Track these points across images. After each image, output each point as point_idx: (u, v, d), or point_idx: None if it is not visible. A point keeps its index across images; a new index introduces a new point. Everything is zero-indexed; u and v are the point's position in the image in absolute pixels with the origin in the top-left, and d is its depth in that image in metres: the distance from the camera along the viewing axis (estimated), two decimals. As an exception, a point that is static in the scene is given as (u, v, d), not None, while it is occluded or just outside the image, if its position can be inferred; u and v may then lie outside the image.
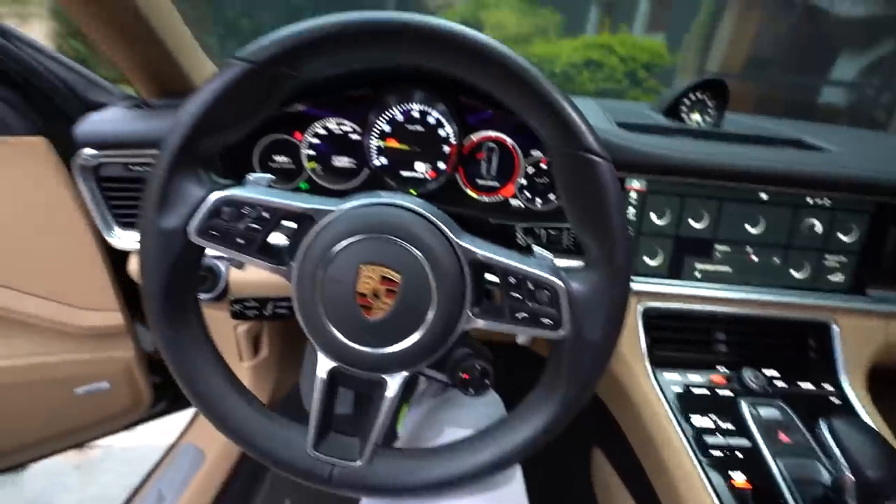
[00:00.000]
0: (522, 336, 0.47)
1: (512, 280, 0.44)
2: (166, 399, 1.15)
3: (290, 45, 0.41)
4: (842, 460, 0.48)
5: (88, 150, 0.65)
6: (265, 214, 0.44)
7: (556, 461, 1.03)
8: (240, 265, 0.47)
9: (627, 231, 0.43)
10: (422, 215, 0.44)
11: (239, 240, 0.44)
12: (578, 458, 0.96)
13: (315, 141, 0.70)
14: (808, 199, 0.67)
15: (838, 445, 0.49)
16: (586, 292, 0.43)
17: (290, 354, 1.25)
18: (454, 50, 0.41)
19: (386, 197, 0.45)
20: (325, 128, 0.70)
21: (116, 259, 0.89)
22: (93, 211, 0.68)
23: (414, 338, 0.43)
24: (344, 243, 0.43)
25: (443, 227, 0.44)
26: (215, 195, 0.43)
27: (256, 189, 0.45)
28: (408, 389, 0.91)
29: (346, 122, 0.70)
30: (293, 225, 0.46)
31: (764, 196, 0.67)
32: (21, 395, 0.87)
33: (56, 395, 0.89)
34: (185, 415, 1.25)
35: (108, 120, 0.65)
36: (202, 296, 0.64)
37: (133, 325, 0.98)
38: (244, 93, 0.42)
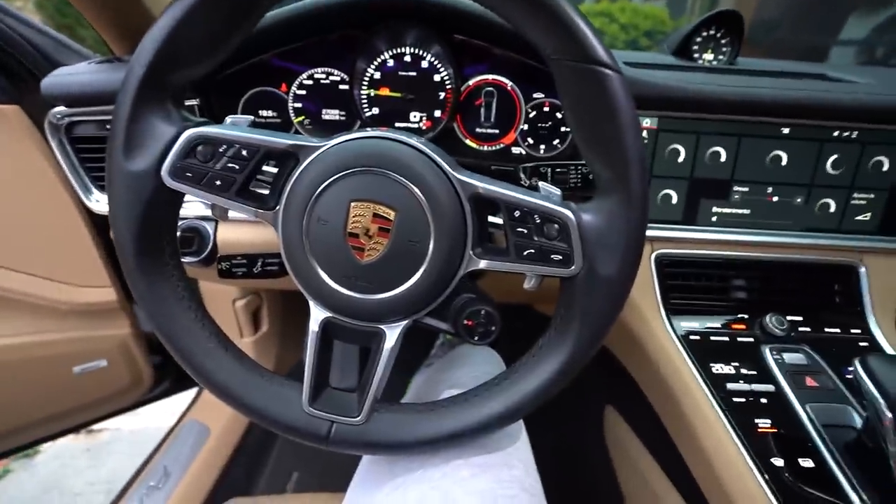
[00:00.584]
0: (530, 279, 0.44)
1: (517, 214, 0.40)
2: (168, 379, 1.13)
3: None
4: (879, 400, 0.44)
5: (59, 108, 0.61)
6: (244, 153, 0.40)
7: (568, 422, 1.01)
8: (223, 214, 0.43)
9: (644, 152, 0.38)
10: (416, 148, 0.40)
11: (217, 181, 0.40)
12: (591, 418, 0.94)
13: (302, 93, 0.66)
14: (834, 133, 0.62)
15: (874, 383, 0.45)
16: (599, 223, 0.39)
17: (291, 329, 1.23)
18: None
19: (376, 131, 0.41)
20: (313, 78, 0.66)
21: (104, 232, 0.86)
22: (69, 174, 0.64)
23: (411, 282, 0.40)
24: (331, 179, 0.39)
25: (439, 159, 0.40)
26: (189, 132, 0.39)
27: (235, 127, 0.41)
28: (422, 353, 0.88)
29: (334, 71, 0.65)
30: (275, 170, 0.42)
31: (785, 130, 0.62)
32: (19, 374, 0.85)
33: (54, 374, 0.88)
34: (190, 394, 1.23)
35: (76, 73, 0.61)
36: (189, 259, 0.61)
37: (129, 303, 0.95)
38: (212, 14, 0.38)
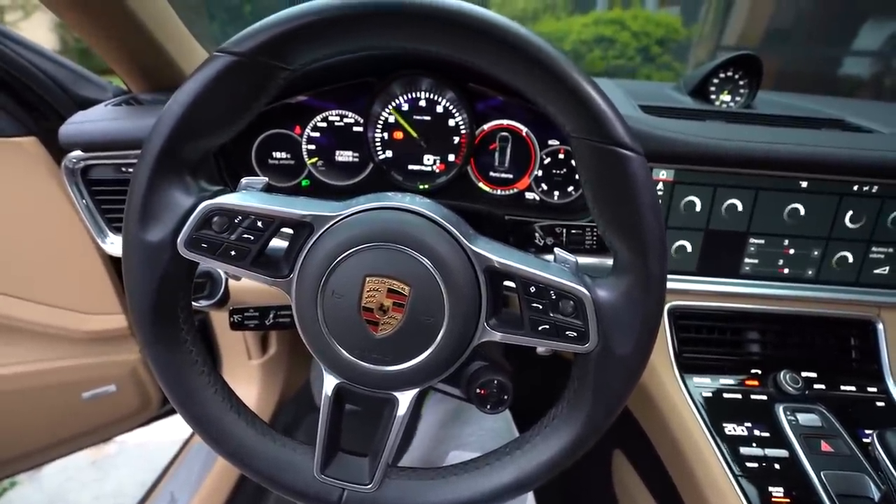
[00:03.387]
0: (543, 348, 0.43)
1: (532, 289, 0.39)
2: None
3: (280, 34, 0.37)
4: None
5: (76, 153, 0.61)
6: (259, 224, 0.40)
7: (575, 463, 1.00)
8: (236, 277, 0.43)
9: (664, 234, 0.38)
10: (431, 219, 0.40)
11: (232, 252, 0.40)
12: (599, 460, 0.93)
13: (316, 135, 0.66)
14: (854, 187, 0.61)
15: (892, 461, 0.44)
16: (615, 301, 0.39)
17: (300, 350, 1.22)
18: (460, 31, 0.36)
19: (391, 200, 0.41)
20: (326, 120, 0.66)
21: (117, 261, 0.87)
22: (84, 216, 0.65)
23: (425, 354, 0.40)
24: (346, 254, 0.39)
25: (455, 231, 0.40)
26: (204, 204, 0.39)
27: (250, 195, 0.41)
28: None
29: (348, 113, 0.65)
30: (292, 231, 0.42)
31: (804, 184, 0.61)
32: (27, 401, 0.86)
33: (63, 400, 0.88)
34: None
35: (93, 119, 0.61)
36: (202, 302, 0.61)
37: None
38: (230, 90, 0.38)
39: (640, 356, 0.40)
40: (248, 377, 1.13)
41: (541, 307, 0.39)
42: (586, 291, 0.39)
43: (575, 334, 0.39)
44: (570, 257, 0.41)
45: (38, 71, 0.76)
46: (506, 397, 0.45)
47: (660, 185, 0.62)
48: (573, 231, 0.62)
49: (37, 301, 0.83)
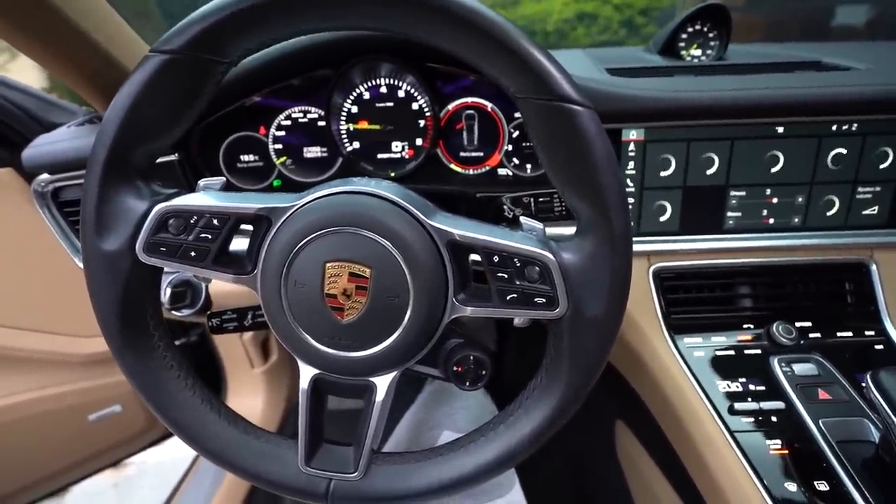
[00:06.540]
0: (519, 317, 0.43)
1: (496, 259, 0.39)
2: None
3: (210, 26, 0.36)
4: (892, 417, 0.42)
5: (43, 176, 0.61)
6: (215, 222, 0.40)
7: (578, 435, 0.99)
8: (207, 279, 0.43)
9: (623, 187, 0.37)
10: (386, 199, 0.39)
11: (192, 252, 0.40)
12: (601, 432, 0.92)
13: (281, 134, 0.66)
14: (833, 127, 0.59)
15: (887, 401, 0.43)
16: (581, 263, 0.38)
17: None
18: (391, 4, 0.35)
19: (345, 185, 0.40)
20: (290, 118, 0.65)
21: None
22: (59, 239, 0.65)
23: (394, 336, 0.39)
24: (303, 242, 0.38)
25: (411, 208, 0.39)
26: (158, 207, 0.39)
27: (205, 195, 0.41)
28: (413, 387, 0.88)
29: (310, 108, 0.65)
30: (251, 228, 0.42)
31: (780, 129, 0.59)
32: (36, 428, 0.87)
33: (70, 424, 0.89)
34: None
35: (55, 140, 0.61)
36: (184, 311, 0.61)
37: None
38: (168, 90, 0.38)
39: (612, 316, 0.39)
40: (253, 386, 1.13)
41: (506, 276, 0.39)
42: (550, 255, 0.38)
43: (544, 300, 0.39)
44: (538, 225, 0.41)
45: (6, 101, 0.76)
46: (483, 372, 0.45)
47: (631, 147, 0.60)
48: (541, 199, 0.61)
49: (33, 329, 0.84)
